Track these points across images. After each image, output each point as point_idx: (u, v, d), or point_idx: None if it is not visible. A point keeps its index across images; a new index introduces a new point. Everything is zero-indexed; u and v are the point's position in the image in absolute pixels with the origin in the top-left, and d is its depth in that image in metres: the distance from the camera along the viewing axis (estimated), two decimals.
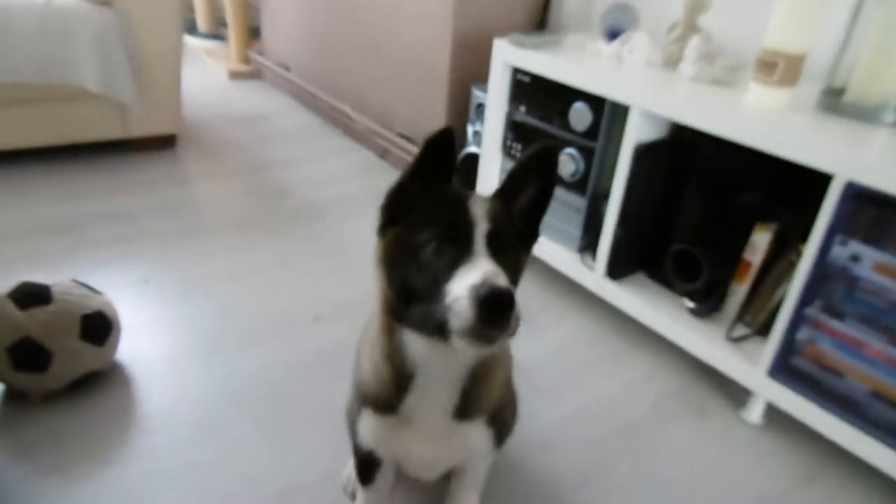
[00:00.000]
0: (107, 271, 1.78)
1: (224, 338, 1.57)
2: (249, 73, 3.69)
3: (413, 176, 0.74)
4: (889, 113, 1.33)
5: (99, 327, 1.35)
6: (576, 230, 1.77)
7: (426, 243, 0.69)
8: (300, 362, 1.51)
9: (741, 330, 1.50)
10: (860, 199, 1.17)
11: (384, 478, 1.04)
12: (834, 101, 1.39)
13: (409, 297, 0.72)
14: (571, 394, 1.50)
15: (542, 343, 1.66)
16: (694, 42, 1.54)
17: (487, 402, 0.89)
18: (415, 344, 0.77)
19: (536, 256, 1.88)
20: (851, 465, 1.33)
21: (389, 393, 0.84)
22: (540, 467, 1.27)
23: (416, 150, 2.51)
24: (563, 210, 1.78)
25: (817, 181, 1.21)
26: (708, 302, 1.56)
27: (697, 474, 1.31)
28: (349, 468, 1.18)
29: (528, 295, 1.86)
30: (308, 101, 3.28)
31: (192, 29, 4.24)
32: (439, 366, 0.80)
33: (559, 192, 1.77)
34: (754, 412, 1.44)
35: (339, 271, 1.91)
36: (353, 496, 1.15)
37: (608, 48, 1.71)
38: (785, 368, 1.34)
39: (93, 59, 2.15)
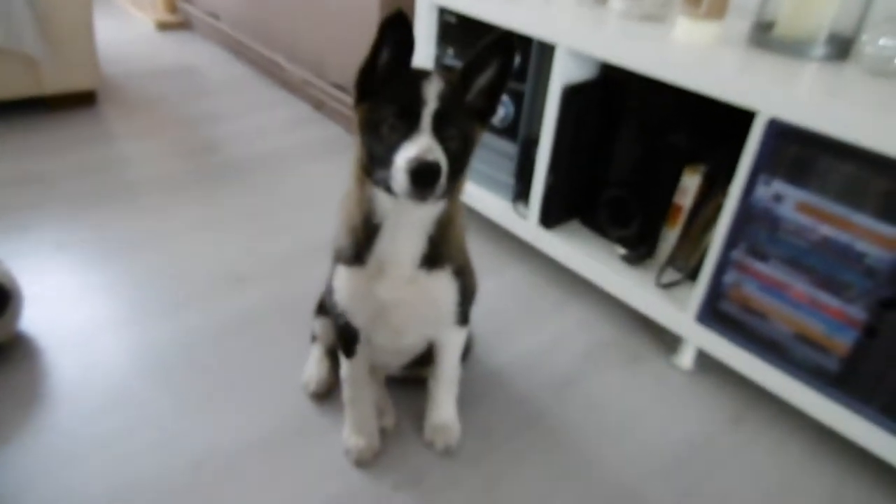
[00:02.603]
0: (16, 237, 1.67)
1: (142, 305, 1.49)
2: (177, 24, 3.48)
3: (374, 56, 0.86)
4: (818, 47, 1.29)
5: None
6: (508, 178, 1.71)
7: (384, 120, 0.84)
8: (222, 327, 1.44)
9: (672, 276, 1.48)
10: (783, 137, 1.13)
11: (363, 351, 1.12)
12: (764, 35, 1.34)
13: (373, 159, 0.87)
14: (504, 346, 1.46)
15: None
16: None
17: (453, 250, 1.00)
18: (381, 196, 0.91)
19: (470, 205, 1.82)
20: (777, 407, 1.34)
21: (360, 240, 0.96)
22: (471, 419, 1.24)
23: (350, 100, 2.41)
24: (495, 157, 1.72)
25: (745, 120, 1.16)
26: (640, 248, 1.53)
27: (627, 421, 1.30)
28: (308, 370, 1.29)
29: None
30: (239, 51, 3.11)
31: None
32: (404, 214, 0.92)
33: (491, 139, 1.70)
34: (685, 358, 1.43)
35: (267, 229, 1.83)
36: (315, 396, 1.27)
37: None
38: (712, 313, 1.33)
39: None
